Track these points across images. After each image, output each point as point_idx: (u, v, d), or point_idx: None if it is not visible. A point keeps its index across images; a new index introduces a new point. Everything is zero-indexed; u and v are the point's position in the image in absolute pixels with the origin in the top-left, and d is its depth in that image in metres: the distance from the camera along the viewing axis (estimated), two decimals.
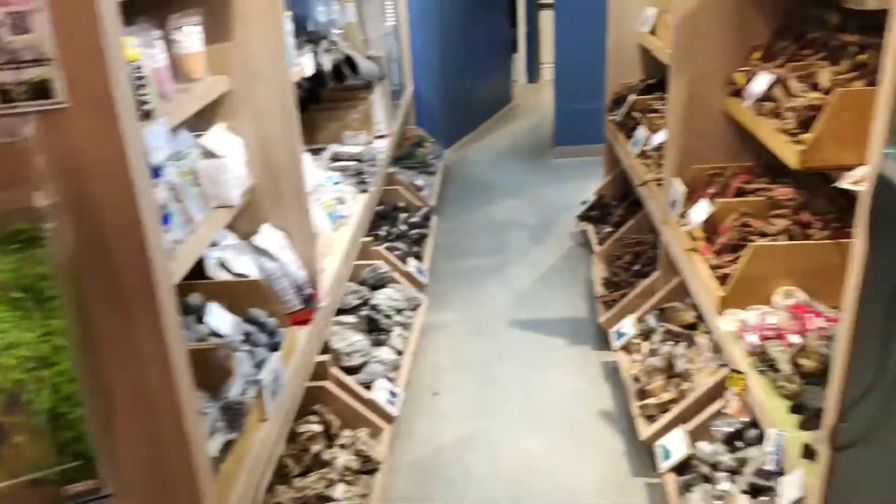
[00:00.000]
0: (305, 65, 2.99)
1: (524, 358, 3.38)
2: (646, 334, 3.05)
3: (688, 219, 2.70)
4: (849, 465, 1.44)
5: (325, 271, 2.68)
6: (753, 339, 2.10)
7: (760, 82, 2.40)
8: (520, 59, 8.68)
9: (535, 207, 5.11)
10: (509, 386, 3.17)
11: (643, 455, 2.63)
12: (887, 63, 1.26)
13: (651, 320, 3.08)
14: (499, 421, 2.96)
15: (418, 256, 4.01)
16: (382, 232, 3.98)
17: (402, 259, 3.77)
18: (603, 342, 3.33)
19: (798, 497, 1.69)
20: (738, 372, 2.05)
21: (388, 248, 3.76)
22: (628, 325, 3.10)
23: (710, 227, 2.64)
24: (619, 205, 4.25)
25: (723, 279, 2.39)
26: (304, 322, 2.38)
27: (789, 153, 2.09)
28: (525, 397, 3.09)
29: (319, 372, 2.58)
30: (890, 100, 1.24)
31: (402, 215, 4.27)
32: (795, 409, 1.85)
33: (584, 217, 4.39)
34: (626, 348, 3.07)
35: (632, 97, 4.01)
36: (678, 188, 2.85)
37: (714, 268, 2.48)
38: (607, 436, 2.83)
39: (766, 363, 2.01)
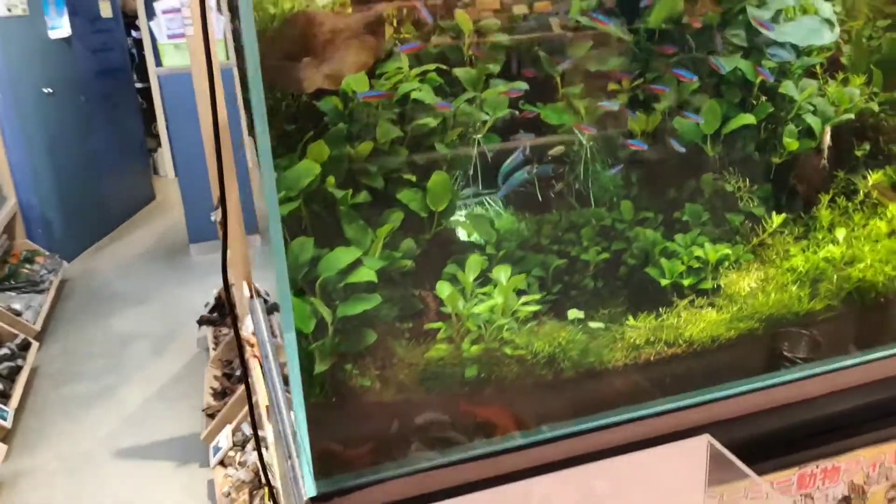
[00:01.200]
0: None
1: (124, 492, 3.08)
2: (243, 444, 2.95)
3: (246, 323, 2.66)
4: None
5: None
6: None
7: None
8: (165, 153, 8.37)
9: (165, 313, 4.84)
10: None
11: None
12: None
13: (247, 429, 2.99)
14: None
15: (5, 395, 3.55)
16: None
17: None
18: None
19: None
20: (271, 486, 2.00)
21: None
22: (225, 438, 2.98)
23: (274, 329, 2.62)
24: None
25: None
26: None
27: None
28: None
29: None
30: None
31: None
32: None
33: (203, 321, 4.22)
34: (223, 463, 2.94)
35: None
36: (245, 292, 2.81)
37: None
38: None
39: None
